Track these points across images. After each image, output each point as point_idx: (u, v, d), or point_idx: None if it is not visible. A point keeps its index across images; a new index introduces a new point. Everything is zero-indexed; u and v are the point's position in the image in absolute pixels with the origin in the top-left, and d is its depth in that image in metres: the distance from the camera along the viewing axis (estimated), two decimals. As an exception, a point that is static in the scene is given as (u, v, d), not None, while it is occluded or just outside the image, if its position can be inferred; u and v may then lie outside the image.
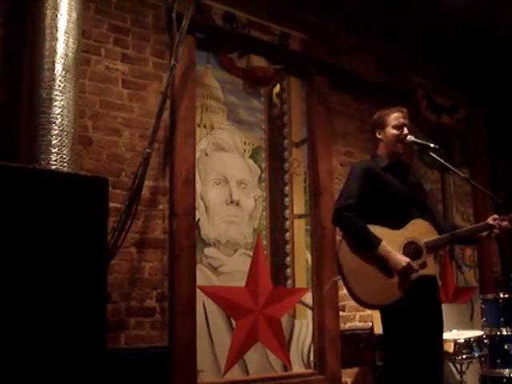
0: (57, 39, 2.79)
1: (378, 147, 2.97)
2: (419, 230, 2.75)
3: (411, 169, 3.19)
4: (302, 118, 4.60)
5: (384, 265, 2.63)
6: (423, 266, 2.65)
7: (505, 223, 2.76)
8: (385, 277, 2.62)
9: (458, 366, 3.99)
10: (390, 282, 2.61)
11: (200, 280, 3.69)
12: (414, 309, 2.61)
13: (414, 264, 2.61)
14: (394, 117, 2.91)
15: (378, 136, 2.94)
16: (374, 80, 5.05)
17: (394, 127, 2.88)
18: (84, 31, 3.20)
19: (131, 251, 3.38)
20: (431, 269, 2.70)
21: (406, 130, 2.89)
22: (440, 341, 2.78)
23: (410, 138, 2.90)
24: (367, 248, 2.65)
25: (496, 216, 2.80)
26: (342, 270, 2.67)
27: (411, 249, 2.69)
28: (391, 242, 2.65)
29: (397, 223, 2.72)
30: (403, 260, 2.59)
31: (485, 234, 2.82)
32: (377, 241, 2.62)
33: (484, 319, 4.29)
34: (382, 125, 2.93)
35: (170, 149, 3.66)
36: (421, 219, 2.79)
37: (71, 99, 2.79)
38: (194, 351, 3.52)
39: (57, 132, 2.69)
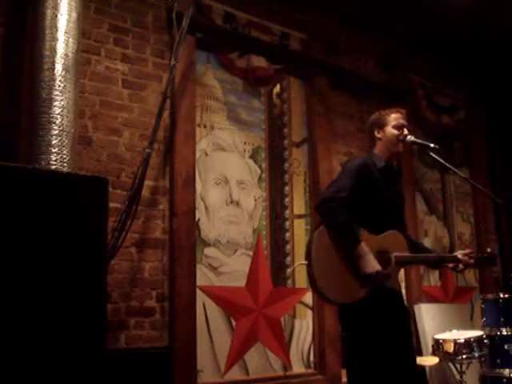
0: (57, 39, 2.79)
1: (375, 146, 2.92)
2: (394, 241, 2.75)
3: (403, 173, 3.17)
4: (302, 118, 4.60)
5: (354, 263, 2.61)
6: (387, 277, 2.66)
7: (471, 261, 2.85)
8: (351, 275, 2.60)
9: (458, 366, 3.98)
10: (353, 283, 2.59)
11: (200, 280, 3.69)
12: (374, 313, 2.59)
13: (383, 273, 2.61)
14: (394, 117, 2.89)
15: (377, 135, 2.91)
16: (374, 80, 5.05)
17: (394, 127, 2.87)
18: (84, 31, 3.20)
19: (131, 251, 3.38)
20: (393, 282, 2.71)
21: (406, 131, 2.89)
22: (409, 349, 2.74)
23: (410, 138, 2.89)
24: (344, 242, 2.63)
25: (465, 252, 2.89)
26: (310, 256, 2.61)
27: (381, 258, 2.69)
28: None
29: (375, 228, 2.70)
30: (375, 266, 2.59)
31: (451, 265, 2.88)
32: (358, 239, 2.61)
33: (484, 319, 4.29)
34: (381, 124, 2.91)
35: (170, 149, 3.66)
36: (398, 232, 2.79)
37: (71, 99, 2.79)
38: (194, 351, 3.52)
39: (57, 132, 2.69)
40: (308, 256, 2.63)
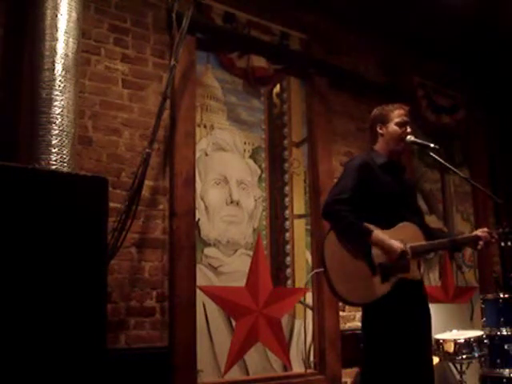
0: (57, 39, 2.79)
1: (377, 142, 2.89)
2: (407, 233, 2.73)
3: (407, 169, 3.14)
4: (302, 118, 4.60)
5: (368, 262, 2.60)
6: (406, 269, 2.64)
7: (495, 236, 2.82)
8: (368, 274, 2.59)
9: (458, 365, 3.99)
10: (372, 280, 2.59)
11: (200, 280, 3.69)
12: (398, 309, 2.58)
13: (408, 251, 2.61)
14: (398, 114, 2.85)
15: (380, 131, 2.86)
16: (374, 80, 5.05)
17: (397, 124, 2.83)
18: (84, 31, 3.20)
19: (131, 251, 3.38)
20: (414, 273, 2.69)
21: (408, 129, 2.86)
22: (428, 344, 2.75)
23: (410, 137, 2.86)
24: (358, 240, 2.61)
25: (485, 229, 2.85)
26: (325, 263, 2.62)
27: None
28: None
29: (386, 223, 2.68)
30: (398, 246, 2.58)
31: (470, 244, 2.86)
32: (369, 230, 2.59)
33: (484, 319, 4.29)
34: (384, 120, 2.86)
35: (170, 149, 3.66)
36: (410, 222, 2.76)
37: (71, 99, 2.79)
38: (194, 351, 3.52)
39: (57, 132, 2.69)
40: (323, 264, 2.64)
